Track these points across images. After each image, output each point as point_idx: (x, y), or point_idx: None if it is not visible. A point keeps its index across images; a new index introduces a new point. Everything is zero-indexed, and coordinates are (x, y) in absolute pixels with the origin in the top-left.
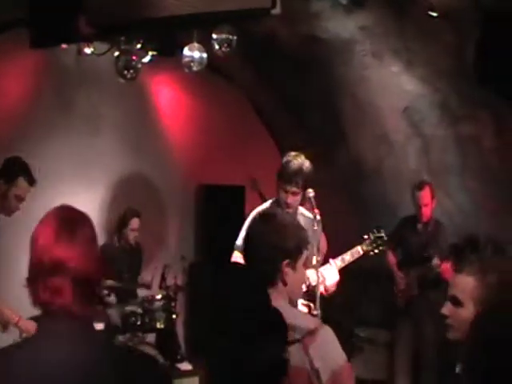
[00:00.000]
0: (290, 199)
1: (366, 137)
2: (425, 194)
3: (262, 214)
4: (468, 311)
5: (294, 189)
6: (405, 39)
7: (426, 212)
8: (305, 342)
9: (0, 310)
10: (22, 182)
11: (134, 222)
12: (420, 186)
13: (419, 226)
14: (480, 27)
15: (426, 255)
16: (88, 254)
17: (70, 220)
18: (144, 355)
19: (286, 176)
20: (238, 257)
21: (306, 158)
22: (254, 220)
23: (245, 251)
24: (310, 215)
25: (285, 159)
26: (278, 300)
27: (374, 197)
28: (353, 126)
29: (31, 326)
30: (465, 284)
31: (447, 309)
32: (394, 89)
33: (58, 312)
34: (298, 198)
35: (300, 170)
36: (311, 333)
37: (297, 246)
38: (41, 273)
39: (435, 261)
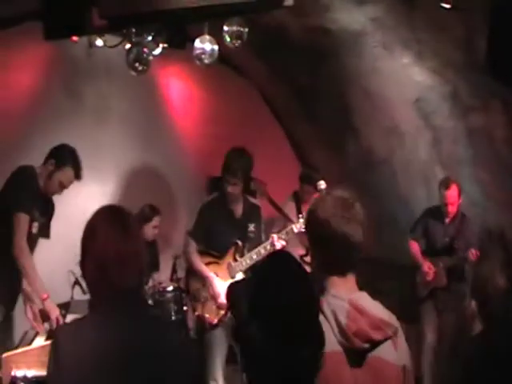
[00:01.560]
0: (231, 189)
1: (376, 128)
2: (451, 194)
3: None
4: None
5: (235, 180)
6: (415, 30)
7: (452, 210)
8: (393, 339)
9: (33, 280)
10: (69, 171)
11: (156, 220)
12: (446, 185)
13: (447, 220)
14: (490, 18)
15: (456, 246)
16: (142, 246)
17: (124, 219)
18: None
19: (228, 170)
20: (190, 242)
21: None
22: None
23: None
24: (255, 201)
25: (229, 154)
26: (356, 290)
27: (384, 188)
28: (363, 118)
29: (54, 309)
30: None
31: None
32: (405, 80)
33: (128, 295)
34: (239, 187)
35: (241, 164)
36: (397, 330)
37: None
38: (110, 264)
39: (465, 254)
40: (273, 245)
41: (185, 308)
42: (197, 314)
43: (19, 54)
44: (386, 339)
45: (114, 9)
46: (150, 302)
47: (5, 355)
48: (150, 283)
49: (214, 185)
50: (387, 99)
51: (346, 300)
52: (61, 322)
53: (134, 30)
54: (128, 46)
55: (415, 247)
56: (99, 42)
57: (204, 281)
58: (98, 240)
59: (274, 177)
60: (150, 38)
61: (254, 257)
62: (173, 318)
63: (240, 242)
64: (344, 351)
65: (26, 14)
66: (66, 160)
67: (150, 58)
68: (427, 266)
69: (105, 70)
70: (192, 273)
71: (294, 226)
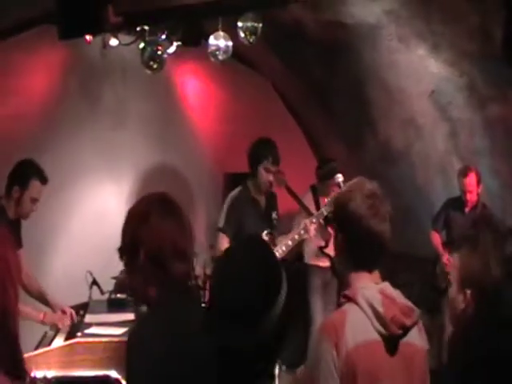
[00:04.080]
0: (271, 177)
1: (393, 121)
2: (469, 181)
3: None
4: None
5: (277, 168)
6: (430, 22)
7: (472, 198)
8: (419, 324)
9: (25, 312)
10: (35, 183)
11: None
12: (464, 173)
13: (466, 209)
14: (506, 7)
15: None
16: (193, 238)
17: (177, 209)
18: None
19: (271, 158)
20: (224, 238)
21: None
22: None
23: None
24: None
25: (264, 144)
26: (380, 281)
27: (402, 181)
28: (380, 111)
29: (58, 319)
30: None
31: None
32: (421, 72)
33: (187, 287)
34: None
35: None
36: (420, 316)
37: None
38: (166, 258)
39: None
40: (307, 230)
41: (203, 305)
42: None
43: (34, 57)
44: (414, 324)
45: (129, 6)
46: None
47: (25, 356)
48: None
49: (232, 181)
50: (404, 92)
51: (376, 289)
52: (74, 318)
53: (147, 29)
54: (142, 45)
55: (436, 238)
56: (113, 42)
57: None
58: (154, 229)
59: (291, 172)
60: (163, 36)
61: (290, 243)
62: None
63: (272, 232)
64: (383, 339)
65: (41, 17)
66: (28, 176)
67: (165, 56)
68: (446, 258)
69: (120, 70)
70: None
71: (323, 209)
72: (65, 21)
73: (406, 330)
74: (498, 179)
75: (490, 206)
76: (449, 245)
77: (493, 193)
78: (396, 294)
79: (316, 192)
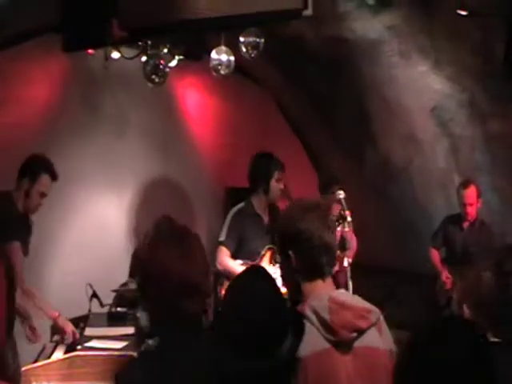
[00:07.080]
0: (281, 185)
1: (394, 136)
2: (470, 193)
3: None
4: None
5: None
6: (432, 38)
7: (471, 211)
8: (378, 325)
9: (43, 303)
10: (45, 178)
11: None
12: (465, 185)
13: (465, 224)
14: (508, 24)
15: (474, 254)
16: (207, 267)
17: (186, 238)
18: None
19: (279, 167)
20: (224, 251)
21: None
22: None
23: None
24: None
25: (267, 158)
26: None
27: (402, 196)
28: (381, 126)
29: (67, 326)
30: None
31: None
32: (422, 88)
33: (196, 322)
34: None
35: None
36: (380, 316)
37: None
38: (176, 294)
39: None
40: None
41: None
42: None
43: (36, 67)
44: (371, 326)
45: (134, 20)
46: None
47: (24, 368)
48: None
49: (233, 195)
50: (404, 107)
51: (326, 299)
52: (77, 335)
53: (149, 43)
54: (144, 58)
55: (435, 255)
56: (115, 55)
57: None
58: (160, 264)
59: (290, 185)
60: (165, 50)
61: None
62: None
63: (274, 247)
64: (333, 346)
65: (44, 27)
66: (38, 170)
67: (167, 69)
68: (445, 276)
69: (122, 82)
70: (226, 282)
71: None
72: (69, 33)
73: (361, 332)
74: (498, 195)
75: (490, 222)
76: (448, 261)
77: (493, 209)
78: (351, 299)
79: None
